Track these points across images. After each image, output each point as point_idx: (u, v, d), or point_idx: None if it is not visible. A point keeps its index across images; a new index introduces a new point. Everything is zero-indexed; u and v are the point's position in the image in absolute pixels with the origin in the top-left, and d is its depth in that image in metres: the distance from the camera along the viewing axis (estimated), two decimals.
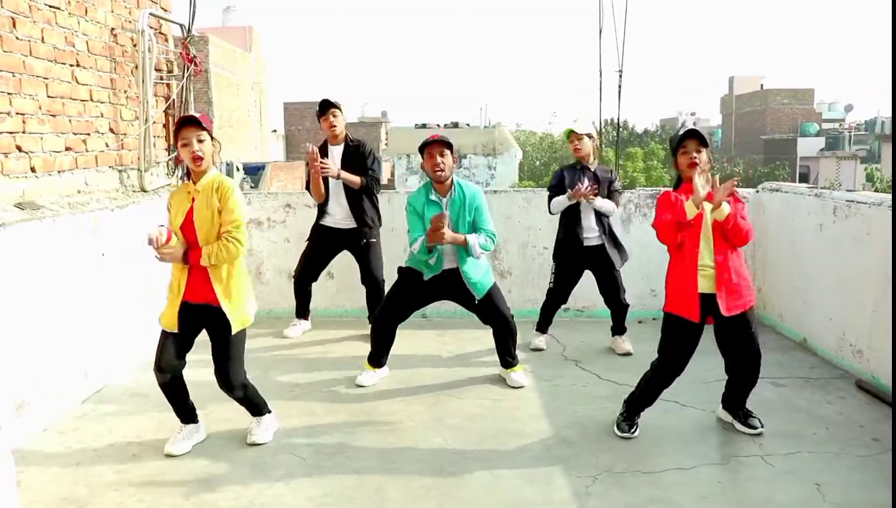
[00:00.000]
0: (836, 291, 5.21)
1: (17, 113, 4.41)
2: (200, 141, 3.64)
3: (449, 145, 4.60)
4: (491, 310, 4.83)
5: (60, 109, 4.83)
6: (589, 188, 5.15)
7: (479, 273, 4.75)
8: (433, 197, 4.66)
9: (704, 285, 3.81)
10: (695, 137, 3.88)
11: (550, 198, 5.38)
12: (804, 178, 44.26)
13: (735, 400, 4.14)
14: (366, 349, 5.16)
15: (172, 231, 3.64)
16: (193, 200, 3.68)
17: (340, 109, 5.69)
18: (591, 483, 3.52)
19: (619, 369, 5.17)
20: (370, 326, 5.48)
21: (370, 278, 5.78)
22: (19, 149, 4.43)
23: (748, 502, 3.35)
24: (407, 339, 5.51)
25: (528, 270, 6.58)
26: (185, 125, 3.65)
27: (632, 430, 4.02)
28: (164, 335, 3.77)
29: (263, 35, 28.72)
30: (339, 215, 5.71)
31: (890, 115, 48.57)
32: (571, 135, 5.37)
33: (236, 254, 3.65)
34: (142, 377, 4.87)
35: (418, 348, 5.60)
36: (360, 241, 5.71)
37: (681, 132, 3.94)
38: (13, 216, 4.07)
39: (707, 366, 4.60)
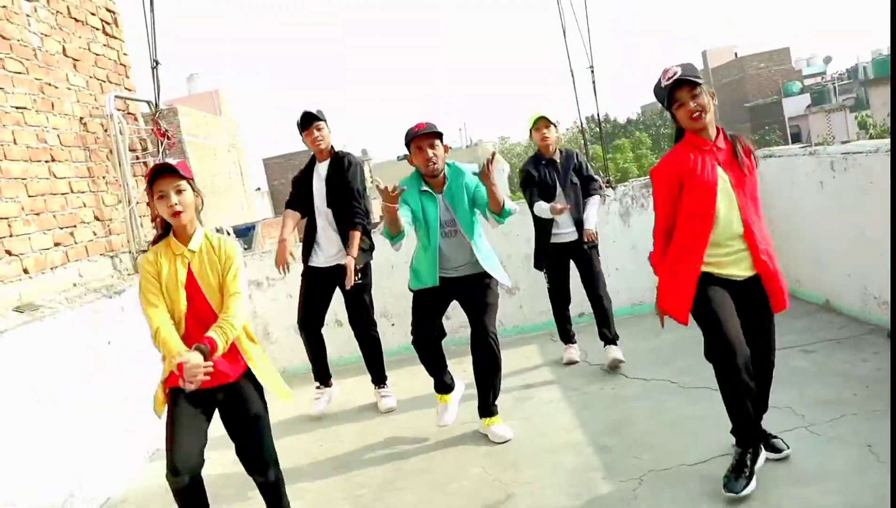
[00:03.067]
0: (849, 246, 5.11)
1: (2, 218, 4.37)
2: (179, 192, 3.10)
3: (439, 135, 4.15)
4: (472, 304, 4.30)
5: (43, 207, 4.80)
6: (564, 205, 5.01)
7: (491, 264, 4.33)
8: (425, 188, 4.21)
9: (736, 267, 3.28)
10: (685, 85, 3.18)
11: (530, 200, 5.17)
12: (796, 137, 44.18)
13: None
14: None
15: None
16: (189, 264, 3.16)
17: (325, 122, 5.09)
18: (637, 485, 3.42)
19: (644, 364, 5.07)
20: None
21: (358, 324, 5.22)
22: (9, 253, 4.39)
23: (805, 477, 3.23)
24: (421, 374, 5.43)
25: (535, 282, 6.47)
26: (160, 176, 3.10)
27: (739, 483, 3.14)
28: (174, 424, 3.12)
29: (231, 96, 28.88)
30: (332, 252, 5.09)
31: (871, 59, 48.56)
32: (541, 122, 5.13)
33: (238, 333, 3.15)
34: (138, 490, 4.52)
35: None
36: (356, 277, 4.97)
37: (663, 84, 3.21)
38: (13, 321, 4.01)
39: None
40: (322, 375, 5.38)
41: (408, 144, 4.24)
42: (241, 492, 4.03)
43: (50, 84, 5.10)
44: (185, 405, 3.13)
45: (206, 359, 2.97)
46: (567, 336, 5.53)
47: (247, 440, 3.23)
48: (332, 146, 5.17)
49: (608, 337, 5.23)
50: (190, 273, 3.16)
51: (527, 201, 5.28)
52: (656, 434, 3.92)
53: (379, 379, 5.33)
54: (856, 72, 52.96)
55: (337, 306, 5.62)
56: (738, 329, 3.23)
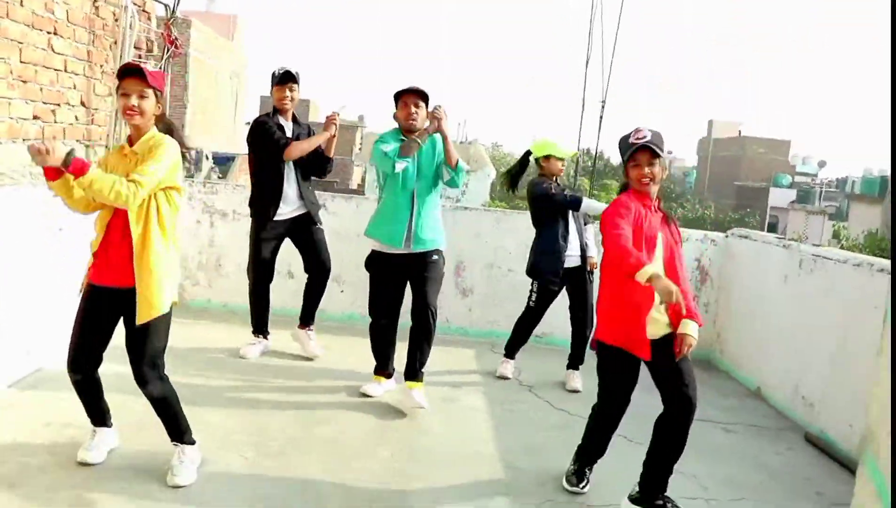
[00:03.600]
0: (793, 343, 5.23)
1: None
2: (142, 97, 3.13)
3: (425, 97, 4.54)
4: (420, 279, 4.54)
5: (32, 76, 4.70)
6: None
7: (432, 232, 4.58)
8: (403, 138, 4.54)
9: (653, 329, 3.41)
10: (646, 149, 3.37)
11: (567, 195, 5.16)
12: (773, 228, 44.95)
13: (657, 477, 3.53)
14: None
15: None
16: (129, 164, 3.18)
17: (298, 85, 5.20)
18: None
19: (573, 399, 5.13)
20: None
21: (321, 263, 5.35)
22: None
23: None
24: (361, 346, 5.43)
25: (493, 291, 6.53)
26: (128, 76, 3.14)
27: (581, 485, 3.70)
28: (82, 317, 3.30)
29: (247, 25, 28.46)
30: (295, 204, 5.19)
31: (861, 176, 49.62)
32: (563, 154, 5.20)
33: (124, 197, 3.02)
34: None
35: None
36: (312, 225, 5.27)
37: (630, 140, 3.41)
38: None
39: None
40: (261, 325, 5.46)
41: (396, 99, 4.58)
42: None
43: None
44: (94, 304, 3.29)
45: (65, 164, 2.94)
46: (513, 352, 5.56)
47: (131, 350, 3.28)
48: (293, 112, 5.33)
49: (576, 364, 5.45)
50: (127, 174, 3.10)
51: (562, 201, 5.15)
52: (565, 468, 3.96)
53: (310, 321, 5.51)
54: (844, 183, 54.07)
55: (290, 257, 5.62)
56: (629, 391, 3.56)
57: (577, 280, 5.32)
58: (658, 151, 3.38)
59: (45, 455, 3.50)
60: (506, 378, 5.46)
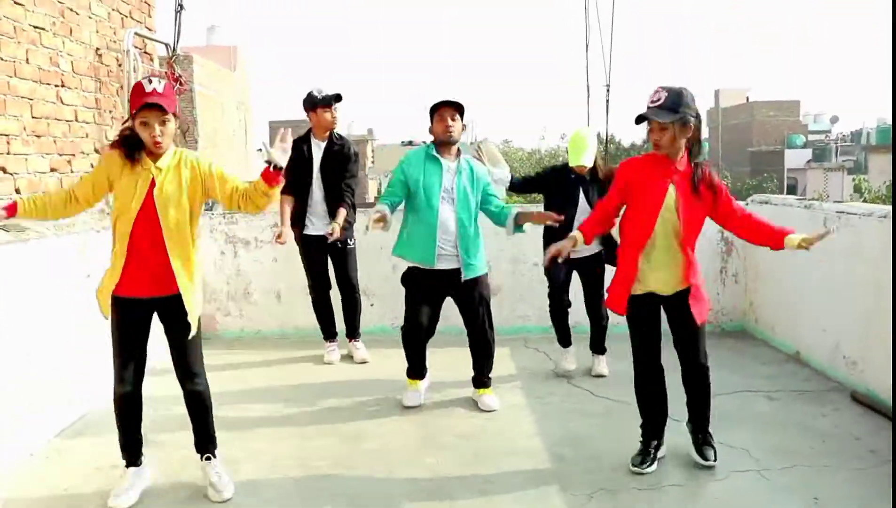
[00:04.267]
0: (828, 303, 5.20)
1: (2, 134, 4.36)
2: (163, 123, 3.23)
3: (461, 109, 4.51)
4: (471, 300, 4.62)
5: (45, 130, 4.79)
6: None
7: (476, 257, 4.63)
8: (434, 154, 4.52)
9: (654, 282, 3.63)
10: (654, 118, 3.44)
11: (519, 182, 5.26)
12: (792, 190, 44.55)
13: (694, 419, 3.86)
14: (354, 366, 5.10)
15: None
16: (153, 180, 3.27)
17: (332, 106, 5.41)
18: (586, 501, 3.47)
19: (611, 384, 5.12)
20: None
21: (348, 281, 5.59)
22: (3, 170, 4.38)
23: None
24: (398, 359, 5.46)
25: (519, 286, 6.54)
26: (148, 109, 3.20)
27: (643, 465, 3.71)
28: (121, 332, 3.43)
29: (248, 54, 28.70)
30: (321, 223, 5.44)
31: (875, 126, 49.05)
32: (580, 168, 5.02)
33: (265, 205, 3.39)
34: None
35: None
36: (339, 244, 5.45)
37: (647, 105, 3.48)
38: None
39: None
40: (331, 331, 5.82)
41: (432, 113, 4.54)
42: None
43: (71, 9, 5.08)
44: (129, 317, 3.41)
45: (276, 169, 3.31)
46: (566, 341, 5.41)
47: (178, 351, 3.47)
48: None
49: (599, 349, 5.38)
50: (150, 191, 3.26)
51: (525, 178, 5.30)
52: (613, 455, 3.96)
53: (356, 333, 5.80)
54: (859, 136, 53.40)
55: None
56: (656, 347, 3.72)
57: (590, 270, 5.20)
58: (668, 116, 3.39)
59: (97, 499, 3.56)
60: (569, 371, 5.36)
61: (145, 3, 6.23)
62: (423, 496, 3.58)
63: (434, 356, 4.88)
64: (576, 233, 3.71)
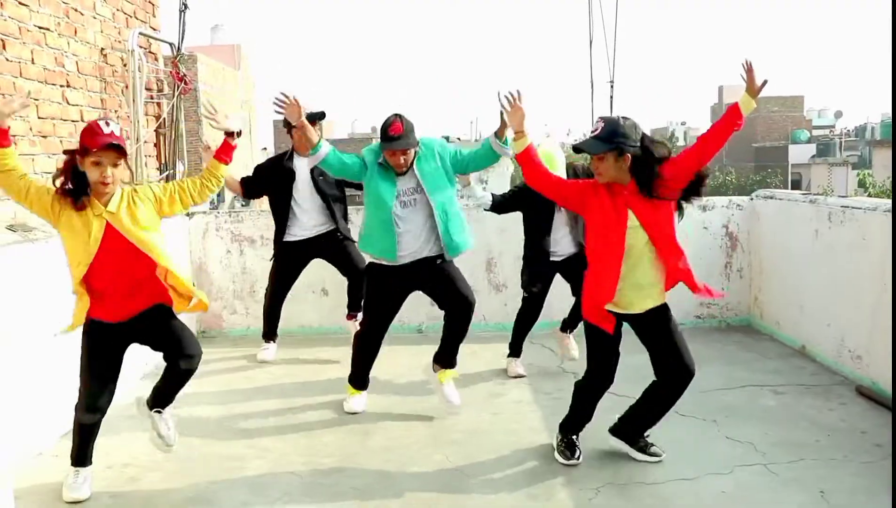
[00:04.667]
0: (833, 297, 5.20)
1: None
2: (115, 165, 3.27)
3: (414, 146, 4.28)
4: (451, 279, 4.44)
5: (51, 130, 4.81)
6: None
7: (460, 234, 4.43)
8: (386, 171, 4.31)
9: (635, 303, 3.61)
10: (587, 149, 3.52)
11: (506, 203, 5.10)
12: (796, 185, 44.47)
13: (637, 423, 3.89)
14: None
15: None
16: (108, 223, 3.31)
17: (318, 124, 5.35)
18: (593, 495, 3.49)
19: (618, 380, 5.09)
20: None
21: (355, 268, 5.54)
22: None
23: None
24: (402, 355, 5.49)
25: None
26: (106, 149, 3.22)
27: (576, 455, 3.82)
28: (91, 364, 3.50)
29: (252, 53, 28.72)
30: (314, 222, 5.51)
31: (879, 121, 48.97)
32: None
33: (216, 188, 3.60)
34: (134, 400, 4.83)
35: (414, 364, 5.53)
36: (337, 235, 5.52)
37: (586, 135, 3.59)
38: (5, 238, 4.03)
39: (705, 375, 4.58)
40: (272, 334, 5.91)
41: (382, 140, 4.27)
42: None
43: (76, 10, 5.10)
44: (102, 344, 3.48)
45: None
46: (517, 351, 5.43)
47: (173, 342, 3.53)
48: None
49: (570, 328, 5.42)
50: (108, 233, 3.30)
51: (504, 195, 5.12)
52: (622, 450, 3.98)
53: (355, 307, 5.75)
54: (864, 131, 53.32)
55: (325, 274, 5.74)
56: (615, 362, 3.77)
57: (572, 269, 5.09)
58: (597, 149, 3.45)
59: (105, 498, 3.60)
60: (521, 376, 5.30)
61: (149, 2, 6.25)
62: (430, 491, 3.60)
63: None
64: (526, 138, 3.78)
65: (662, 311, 3.64)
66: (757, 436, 4.07)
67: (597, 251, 3.60)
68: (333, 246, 5.59)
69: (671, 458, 3.82)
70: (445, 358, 4.62)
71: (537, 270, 5.15)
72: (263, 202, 5.91)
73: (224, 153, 3.61)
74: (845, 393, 4.76)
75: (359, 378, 4.74)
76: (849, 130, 55.95)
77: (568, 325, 5.45)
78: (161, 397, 3.73)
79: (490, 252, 6.49)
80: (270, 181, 5.53)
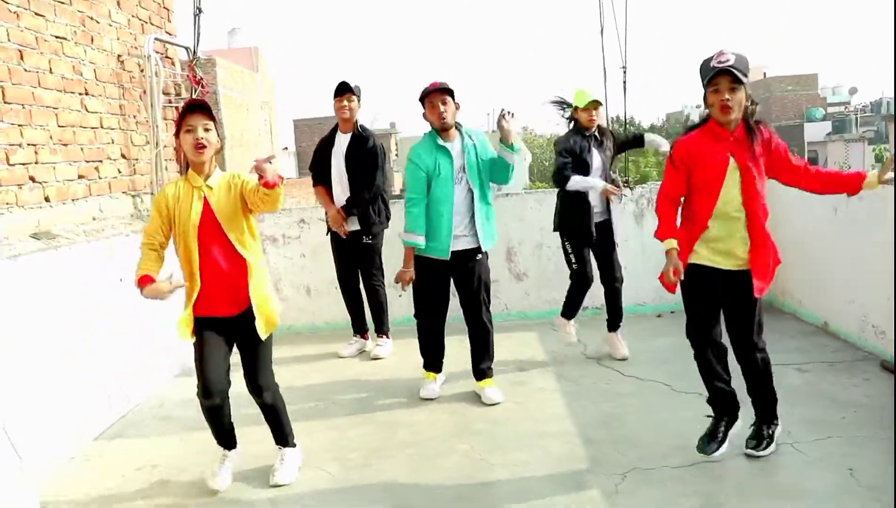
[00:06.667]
0: (855, 273, 5.18)
1: (29, 144, 4.43)
2: (207, 130, 3.36)
3: (451, 92, 4.49)
4: (475, 278, 4.61)
5: (72, 138, 4.86)
6: (615, 190, 5.03)
7: (492, 226, 4.68)
8: (441, 142, 4.52)
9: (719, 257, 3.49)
10: (727, 74, 3.25)
11: (564, 170, 4.98)
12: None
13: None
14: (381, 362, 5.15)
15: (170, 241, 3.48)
16: (206, 198, 3.41)
17: (358, 96, 5.54)
18: (620, 481, 3.50)
19: (639, 364, 5.14)
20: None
21: (368, 276, 5.70)
22: (32, 179, 4.45)
23: (782, 492, 3.31)
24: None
25: (544, 271, 6.57)
26: (193, 112, 3.36)
27: (709, 448, 3.59)
28: (203, 351, 3.49)
29: (270, 54, 28.89)
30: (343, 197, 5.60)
31: (894, 96, 48.40)
32: (591, 105, 5.01)
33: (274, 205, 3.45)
34: (165, 400, 4.92)
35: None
36: (362, 239, 5.59)
37: (712, 64, 3.29)
38: (29, 247, 4.10)
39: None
40: (358, 325, 5.90)
41: (422, 101, 4.55)
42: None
43: (92, 18, 5.15)
44: (209, 334, 3.47)
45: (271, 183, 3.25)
46: (571, 313, 5.41)
47: (249, 366, 3.60)
48: (357, 121, 5.56)
49: (616, 325, 5.39)
50: (206, 208, 3.40)
51: (557, 173, 5.06)
52: (644, 434, 4.00)
53: (379, 329, 5.80)
54: (879, 106, 52.77)
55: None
56: (711, 316, 3.58)
57: (603, 237, 5.17)
58: (741, 76, 3.24)
59: (139, 499, 3.65)
60: (572, 343, 5.46)
61: (164, 7, 6.30)
62: (458, 482, 3.63)
63: (464, 342, 4.87)
64: (674, 244, 3.45)
65: (748, 282, 3.47)
66: (783, 415, 4.03)
67: (687, 204, 3.53)
68: (356, 246, 5.66)
69: (696, 440, 3.81)
70: (481, 371, 4.75)
71: (578, 240, 5.16)
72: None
73: (269, 184, 3.32)
74: (869, 369, 4.74)
75: (432, 364, 4.88)
76: (864, 106, 55.35)
77: (611, 323, 5.42)
78: (273, 432, 3.81)
79: (510, 241, 6.51)
80: (323, 163, 5.66)
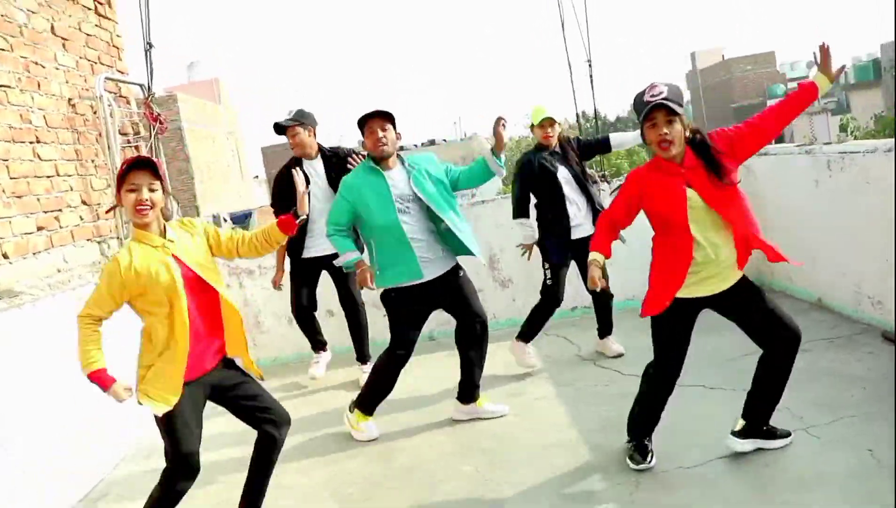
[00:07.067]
0: (844, 245, 5.09)
1: None
2: (152, 190, 3.01)
3: (390, 118, 4.24)
4: (466, 298, 4.37)
5: (26, 189, 4.67)
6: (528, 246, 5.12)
7: (470, 239, 4.34)
8: (376, 167, 4.25)
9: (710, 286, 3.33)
10: (662, 108, 3.16)
11: (517, 208, 5.12)
12: (779, 139, 44.53)
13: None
14: None
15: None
16: (175, 256, 3.08)
17: (304, 122, 5.20)
18: (634, 488, 3.36)
19: (638, 361, 4.99)
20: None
21: (350, 297, 5.44)
22: None
23: (805, 482, 3.18)
24: (416, 365, 5.31)
25: (530, 275, 6.41)
26: (137, 168, 3.00)
27: (647, 459, 3.51)
28: (176, 419, 3.10)
29: (232, 84, 28.86)
30: (321, 239, 5.13)
31: (852, 65, 49.03)
32: (545, 122, 4.97)
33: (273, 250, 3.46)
34: (152, 451, 4.69)
35: (429, 373, 5.41)
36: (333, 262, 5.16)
37: (645, 98, 3.21)
38: None
39: (726, 342, 4.47)
40: (318, 345, 5.71)
41: (361, 127, 4.29)
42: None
43: (36, 63, 4.97)
44: (187, 399, 3.13)
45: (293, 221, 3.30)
46: (529, 337, 5.25)
47: (257, 405, 3.36)
48: (318, 145, 5.31)
49: (607, 332, 5.29)
50: (184, 267, 3.09)
51: (513, 199, 5.13)
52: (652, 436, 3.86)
53: (362, 358, 5.59)
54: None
55: (329, 296, 5.63)
56: (681, 361, 3.46)
57: (586, 249, 5.07)
58: (676, 107, 3.16)
59: None
60: (532, 367, 5.20)
61: (113, 46, 6.12)
62: (467, 505, 3.47)
63: (453, 357, 4.71)
64: (596, 256, 3.44)
65: (745, 284, 3.37)
66: (790, 399, 3.90)
67: (663, 244, 3.39)
68: (334, 267, 5.31)
69: (708, 437, 3.70)
70: (469, 392, 4.50)
71: (557, 255, 5.08)
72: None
73: (290, 227, 3.31)
74: (870, 341, 4.64)
75: (372, 405, 4.51)
76: None
77: (603, 330, 5.32)
78: (250, 488, 3.48)
79: (491, 248, 6.38)
80: (280, 192, 5.25)
